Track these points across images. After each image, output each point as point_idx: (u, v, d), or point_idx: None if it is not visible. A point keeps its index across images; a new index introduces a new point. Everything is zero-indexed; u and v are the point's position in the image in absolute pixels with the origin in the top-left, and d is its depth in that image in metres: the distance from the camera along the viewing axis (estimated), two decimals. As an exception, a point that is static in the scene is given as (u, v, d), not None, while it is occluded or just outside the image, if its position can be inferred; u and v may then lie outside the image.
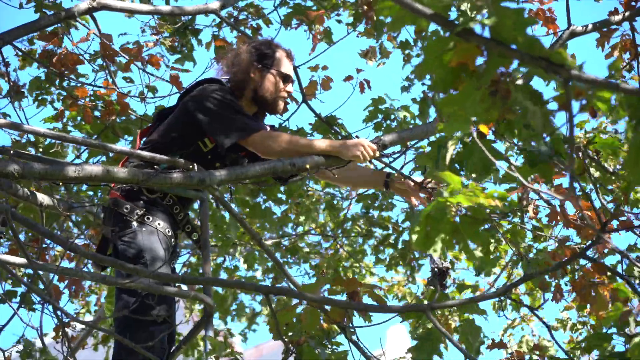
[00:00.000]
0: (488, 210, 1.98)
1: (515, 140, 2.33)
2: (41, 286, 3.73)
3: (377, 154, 3.62)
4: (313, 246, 7.74)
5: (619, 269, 3.00)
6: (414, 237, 1.99)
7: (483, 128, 2.31)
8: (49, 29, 4.79)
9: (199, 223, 3.94)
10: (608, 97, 1.77)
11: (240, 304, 8.13)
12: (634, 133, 1.77)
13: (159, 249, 3.65)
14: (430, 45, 1.76)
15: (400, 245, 7.10)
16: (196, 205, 4.33)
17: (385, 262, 7.18)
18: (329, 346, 3.11)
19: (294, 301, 3.10)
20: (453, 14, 1.75)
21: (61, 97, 5.34)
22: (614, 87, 1.68)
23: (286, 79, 3.91)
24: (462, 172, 2.45)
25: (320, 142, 3.62)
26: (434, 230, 1.99)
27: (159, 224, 3.71)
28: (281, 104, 3.93)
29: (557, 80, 1.70)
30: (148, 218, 3.70)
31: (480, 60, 1.76)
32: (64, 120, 5.46)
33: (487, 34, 1.70)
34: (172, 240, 3.78)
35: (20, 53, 5.11)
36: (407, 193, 3.84)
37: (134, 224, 3.68)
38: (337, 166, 3.61)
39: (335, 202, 7.39)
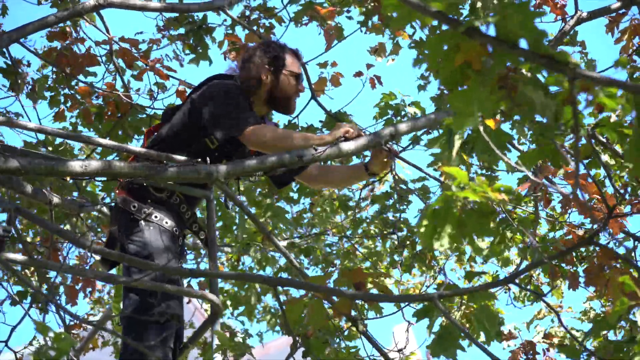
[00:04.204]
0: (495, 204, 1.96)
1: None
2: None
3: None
4: (329, 247, 7.66)
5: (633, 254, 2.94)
6: (421, 231, 1.96)
7: (490, 122, 2.29)
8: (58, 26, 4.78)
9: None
10: (614, 92, 1.77)
11: (265, 305, 8.07)
12: (638, 128, 1.77)
13: (166, 248, 3.62)
14: (431, 41, 1.76)
15: (418, 247, 7.00)
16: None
17: (400, 263, 7.09)
18: (339, 340, 3.06)
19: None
20: (462, 11, 1.74)
21: (69, 96, 5.34)
22: (620, 86, 1.68)
23: (298, 77, 3.91)
24: (473, 155, 2.43)
25: (315, 136, 3.55)
26: (440, 224, 1.98)
27: (166, 223, 3.68)
28: (295, 104, 3.93)
29: (563, 77, 1.69)
30: (155, 217, 3.67)
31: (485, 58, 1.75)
32: (72, 119, 5.46)
33: (492, 31, 1.69)
34: (180, 239, 3.75)
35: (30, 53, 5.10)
36: (386, 163, 3.66)
37: (141, 222, 3.65)
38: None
39: (350, 203, 7.32)
